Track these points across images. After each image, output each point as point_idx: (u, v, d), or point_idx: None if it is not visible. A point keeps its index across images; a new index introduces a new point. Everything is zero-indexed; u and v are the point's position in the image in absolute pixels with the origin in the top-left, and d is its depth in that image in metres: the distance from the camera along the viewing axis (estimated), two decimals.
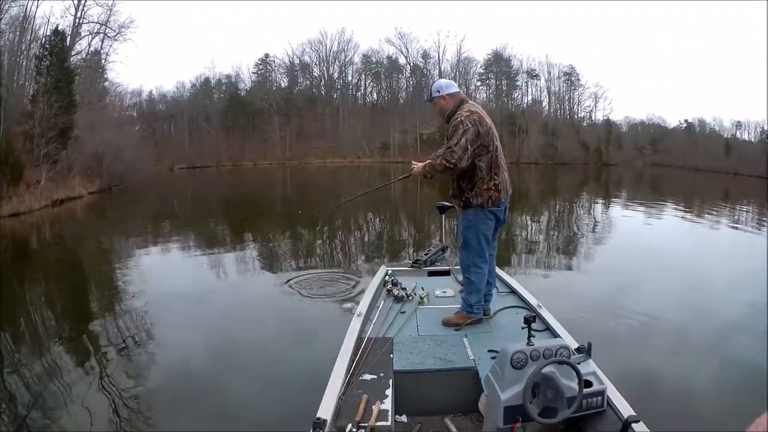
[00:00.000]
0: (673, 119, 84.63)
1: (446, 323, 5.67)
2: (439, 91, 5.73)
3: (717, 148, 66.08)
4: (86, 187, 38.18)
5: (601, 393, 3.77)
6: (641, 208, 29.16)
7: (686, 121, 75.82)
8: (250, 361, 8.12)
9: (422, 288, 6.62)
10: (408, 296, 6.38)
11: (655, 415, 4.14)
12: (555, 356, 3.66)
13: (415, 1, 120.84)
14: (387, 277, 6.94)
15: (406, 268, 7.72)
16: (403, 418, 4.36)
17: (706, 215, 27.37)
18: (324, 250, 18.92)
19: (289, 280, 12.97)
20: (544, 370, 3.56)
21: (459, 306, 5.89)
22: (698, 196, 36.20)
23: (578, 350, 4.04)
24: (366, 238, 21.69)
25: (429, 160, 5.54)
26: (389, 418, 3.88)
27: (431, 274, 7.55)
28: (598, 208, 30.96)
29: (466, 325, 5.60)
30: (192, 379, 7.57)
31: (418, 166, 5.71)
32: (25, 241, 23.32)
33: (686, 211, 28.29)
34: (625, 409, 3.72)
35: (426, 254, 8.04)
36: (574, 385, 3.60)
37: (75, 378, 7.61)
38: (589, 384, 3.71)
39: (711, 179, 50.51)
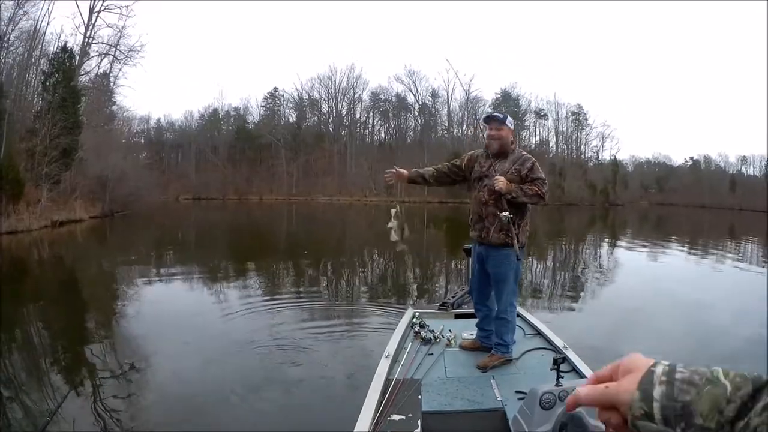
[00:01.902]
0: (678, 157, 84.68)
1: (482, 366, 5.64)
2: (509, 123, 5.74)
3: (722, 184, 65.94)
4: (88, 210, 37.93)
5: None
6: (647, 248, 29.06)
7: (692, 158, 76.16)
8: (272, 402, 7.72)
9: (450, 330, 6.57)
10: (435, 338, 6.37)
11: None
12: None
13: (425, 39, 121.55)
14: (414, 320, 6.91)
15: (433, 311, 7.70)
16: None
17: (711, 253, 27.15)
18: (342, 289, 18.39)
19: (308, 320, 12.77)
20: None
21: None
22: (703, 234, 35.80)
23: None
24: (386, 279, 21.14)
25: (510, 183, 5.48)
26: None
27: (458, 316, 7.47)
28: (606, 248, 30.78)
29: (493, 367, 5.62)
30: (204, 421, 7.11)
31: (502, 181, 5.47)
32: (21, 260, 22.91)
33: (691, 250, 28.02)
34: None
35: (453, 297, 8.07)
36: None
37: (68, 401, 7.12)
38: None
39: (716, 216, 50.01)
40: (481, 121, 5.88)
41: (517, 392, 4.84)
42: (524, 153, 5.70)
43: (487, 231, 5.68)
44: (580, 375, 5.09)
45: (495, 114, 5.73)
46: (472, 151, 6.06)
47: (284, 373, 8.77)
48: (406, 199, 71.86)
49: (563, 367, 4.48)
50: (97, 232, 34.72)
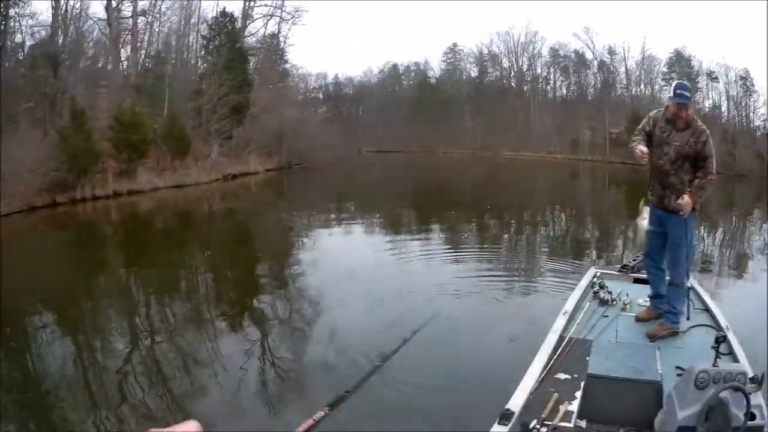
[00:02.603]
0: None
1: (651, 336, 5.69)
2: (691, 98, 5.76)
3: None
4: (263, 164, 39.72)
5: (761, 429, 3.74)
6: None
7: None
8: (445, 344, 8.21)
9: (627, 294, 6.64)
10: (612, 301, 6.51)
11: None
12: (734, 381, 3.67)
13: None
14: (595, 279, 7.10)
15: (614, 272, 7.83)
16: (583, 423, 4.36)
17: None
18: (532, 246, 18.93)
19: (493, 272, 13.34)
20: (720, 395, 3.57)
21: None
22: None
23: (752, 380, 3.89)
24: (575, 237, 21.53)
25: (693, 194, 5.60)
26: (572, 420, 4.00)
27: (636, 281, 7.51)
28: None
29: (661, 337, 5.66)
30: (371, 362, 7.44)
31: (686, 201, 5.55)
32: (185, 213, 24.54)
33: None
34: None
35: (634, 260, 8.12)
36: (742, 415, 3.59)
37: (231, 346, 8.25)
38: (753, 417, 3.68)
39: None
40: (670, 90, 5.68)
41: (677, 368, 4.81)
42: (701, 125, 5.75)
43: (669, 199, 5.77)
44: (736, 359, 4.99)
45: (685, 96, 5.65)
46: (653, 113, 6.06)
47: (463, 324, 9.32)
48: (589, 158, 69.68)
49: (722, 348, 4.54)
50: (270, 184, 36.37)
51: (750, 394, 3.61)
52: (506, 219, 23.76)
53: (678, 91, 5.62)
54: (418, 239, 17.62)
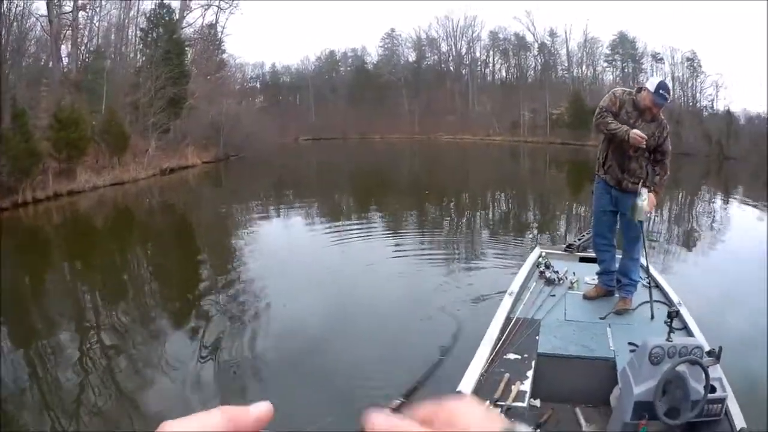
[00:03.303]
0: None
1: (620, 313, 5.82)
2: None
3: None
4: (200, 156, 38.90)
5: (722, 401, 3.80)
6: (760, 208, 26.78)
7: None
8: (390, 332, 8.30)
9: (573, 273, 6.80)
10: (559, 280, 6.62)
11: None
12: (690, 355, 3.70)
13: None
14: (540, 259, 7.21)
15: (559, 252, 7.95)
16: (537, 402, 4.39)
17: None
18: (474, 227, 19.23)
19: (439, 255, 13.51)
20: (677, 368, 3.60)
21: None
22: None
23: (709, 353, 4.04)
24: (517, 217, 21.96)
25: (655, 191, 5.92)
26: (526, 399, 4.10)
27: (582, 260, 7.64)
28: (720, 204, 29.31)
29: (626, 310, 5.86)
30: (323, 350, 7.68)
31: (652, 200, 5.81)
32: (125, 210, 24.05)
33: None
34: (739, 421, 3.78)
35: (579, 239, 8.27)
36: (701, 388, 3.64)
37: (179, 344, 8.10)
38: (713, 389, 3.74)
39: None
40: (652, 84, 5.69)
41: (629, 344, 4.84)
42: (664, 120, 5.96)
43: (627, 182, 5.93)
44: (690, 333, 5.13)
45: (666, 98, 5.73)
46: (618, 92, 6.08)
47: (404, 306, 9.40)
48: (529, 139, 70.57)
49: (675, 323, 4.57)
50: (208, 177, 35.97)
51: (708, 367, 3.69)
52: (446, 202, 23.99)
53: (661, 92, 5.69)
54: (357, 225, 17.69)
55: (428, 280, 11.04)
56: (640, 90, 5.90)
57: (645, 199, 5.68)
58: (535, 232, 17.88)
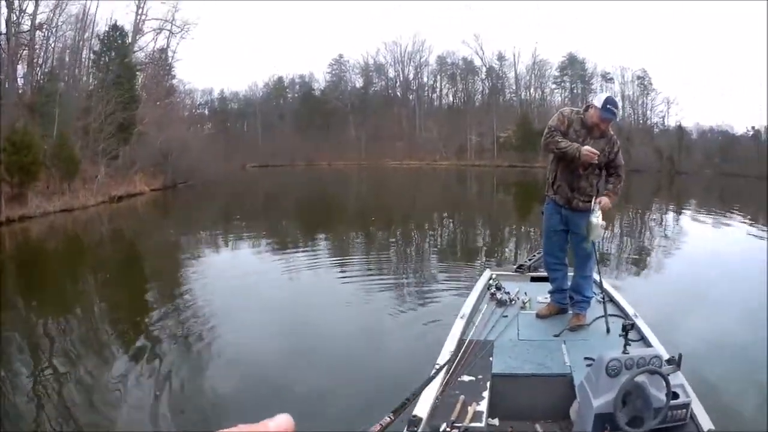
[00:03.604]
0: (740, 126, 79.36)
1: (574, 329, 5.81)
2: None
3: None
4: (149, 183, 38.24)
5: (686, 406, 3.84)
6: (712, 220, 27.82)
7: (753, 127, 71.43)
8: (345, 359, 8.13)
9: (525, 293, 6.77)
10: (511, 301, 6.56)
11: None
12: (648, 365, 3.74)
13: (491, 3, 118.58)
14: (491, 281, 7.12)
15: (510, 273, 7.91)
16: (495, 422, 4.37)
17: None
18: (423, 252, 19.06)
19: (388, 280, 13.40)
20: (636, 379, 3.63)
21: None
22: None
23: (668, 361, 4.11)
24: (465, 241, 21.84)
25: (610, 193, 5.93)
26: (483, 420, 4.05)
27: (534, 279, 7.64)
28: (672, 217, 30.24)
29: (580, 326, 5.86)
30: (276, 380, 7.47)
31: (606, 201, 5.80)
32: (75, 238, 23.31)
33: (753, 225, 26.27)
34: (706, 423, 3.80)
35: (529, 260, 8.26)
36: (662, 396, 3.68)
37: (126, 372, 7.78)
38: (675, 396, 3.78)
39: None
40: (599, 100, 5.80)
41: (585, 358, 4.89)
42: (614, 136, 6.00)
43: (578, 201, 5.93)
44: (647, 344, 5.14)
45: (614, 113, 5.81)
46: (566, 111, 6.08)
47: (358, 333, 9.28)
48: (476, 163, 71.30)
49: (632, 335, 4.62)
50: (156, 205, 35.27)
51: (669, 375, 3.77)
52: (393, 228, 23.81)
53: (608, 106, 5.75)
54: (304, 253, 17.50)
55: (377, 306, 10.92)
56: (588, 108, 5.96)
57: (599, 215, 5.69)
58: (484, 254, 17.91)
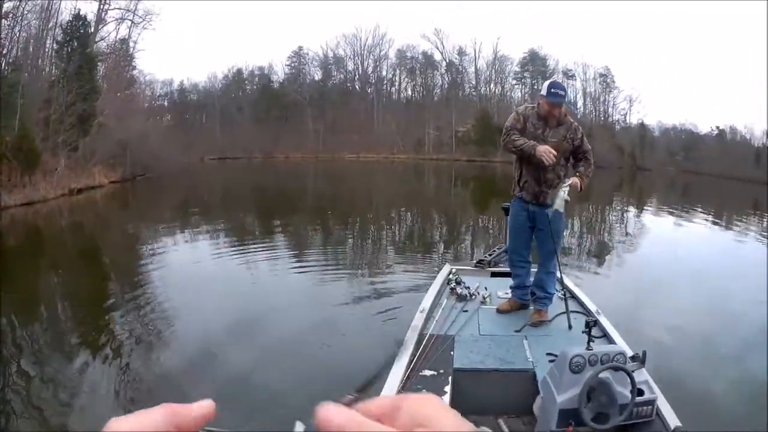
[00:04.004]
0: (704, 125, 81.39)
1: (535, 325, 5.87)
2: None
3: (747, 156, 63.17)
4: (108, 176, 37.62)
5: (652, 402, 3.90)
6: (673, 216, 28.94)
7: (717, 127, 73.23)
8: (303, 353, 8.06)
9: (485, 288, 6.80)
10: (471, 295, 6.59)
11: (701, 427, 4.65)
12: (612, 362, 3.80)
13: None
14: (451, 276, 7.14)
15: (470, 268, 7.97)
16: None
17: (735, 225, 26.65)
18: (381, 246, 19.16)
19: (345, 274, 13.48)
20: (600, 375, 3.67)
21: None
22: (727, 206, 35.31)
23: (633, 358, 4.11)
24: (424, 235, 21.85)
25: (581, 176, 5.97)
26: None
27: (494, 275, 7.69)
28: (633, 214, 30.81)
29: (541, 322, 5.92)
30: (235, 377, 7.38)
31: (574, 181, 5.85)
32: (38, 231, 22.94)
33: (716, 221, 27.53)
34: (673, 420, 3.86)
35: (489, 255, 8.35)
36: (627, 392, 3.71)
37: (89, 368, 7.69)
38: (641, 392, 3.82)
39: (740, 187, 48.45)
40: (544, 88, 5.95)
41: (548, 354, 4.93)
42: (574, 122, 6.06)
43: (545, 195, 5.95)
44: (611, 341, 5.20)
45: (560, 95, 5.81)
46: (521, 109, 6.18)
47: (317, 329, 8.99)
48: (434, 157, 71.57)
49: (594, 331, 4.73)
50: (115, 198, 34.74)
51: (633, 371, 3.81)
52: (350, 222, 23.90)
53: (553, 90, 5.82)
54: (262, 245, 17.41)
55: (335, 299, 10.89)
56: (539, 102, 6.02)
57: (566, 190, 5.74)
58: (443, 249, 18.06)
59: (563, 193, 5.71)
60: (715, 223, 26.03)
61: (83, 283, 13.96)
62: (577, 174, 6.00)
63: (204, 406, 0.48)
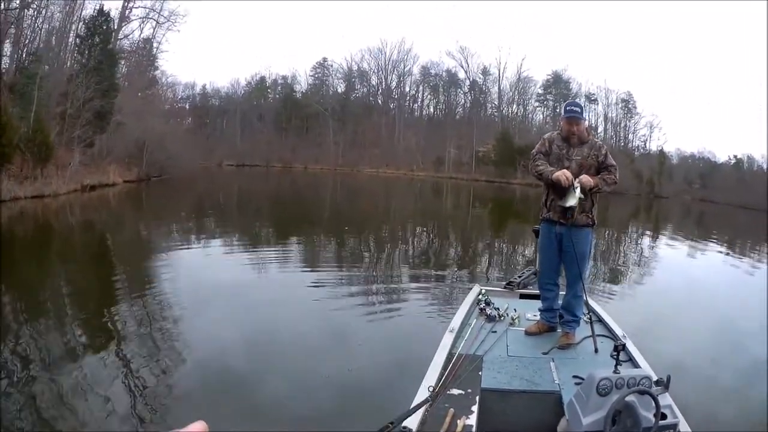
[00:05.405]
0: (722, 154, 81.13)
1: (563, 347, 5.78)
2: (584, 115, 6.15)
3: (763, 185, 62.58)
4: (122, 175, 37.65)
5: (674, 426, 3.88)
6: (688, 245, 28.30)
7: (735, 156, 72.78)
8: (334, 370, 7.70)
9: (514, 309, 6.72)
10: (500, 316, 6.53)
11: None
12: (638, 386, 3.76)
13: (478, 17, 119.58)
14: (480, 296, 7.06)
15: (499, 289, 7.88)
16: None
17: (749, 255, 25.92)
18: (408, 262, 18.41)
19: (374, 293, 12.98)
20: (626, 398, 3.64)
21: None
22: (741, 235, 35.00)
23: (657, 383, 4.08)
24: (453, 255, 21.19)
25: (600, 180, 5.88)
26: None
27: (523, 296, 7.60)
28: (648, 241, 30.29)
29: (569, 345, 5.83)
30: (237, 385, 7.10)
31: (584, 178, 5.78)
32: (43, 227, 22.59)
33: (729, 251, 26.76)
34: None
35: (519, 277, 8.20)
36: (651, 416, 3.70)
37: (94, 369, 7.39)
38: (664, 416, 3.80)
39: (755, 218, 47.81)
40: (561, 111, 6.10)
41: (574, 377, 4.89)
42: (597, 140, 6.10)
43: (573, 214, 5.90)
44: (636, 365, 5.09)
45: (575, 111, 5.99)
46: (547, 135, 6.28)
47: (343, 347, 8.82)
48: (453, 175, 71.23)
49: (621, 356, 4.52)
50: (129, 197, 34.60)
51: (658, 395, 3.78)
52: (370, 240, 23.37)
53: (568, 108, 6.07)
54: (275, 255, 17.08)
55: (362, 317, 10.56)
56: (560, 124, 6.15)
57: (578, 188, 5.70)
58: (470, 269, 17.42)
59: (575, 191, 5.68)
60: (728, 255, 25.35)
61: (83, 282, 13.59)
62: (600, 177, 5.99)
63: (196, 429, 0.50)
